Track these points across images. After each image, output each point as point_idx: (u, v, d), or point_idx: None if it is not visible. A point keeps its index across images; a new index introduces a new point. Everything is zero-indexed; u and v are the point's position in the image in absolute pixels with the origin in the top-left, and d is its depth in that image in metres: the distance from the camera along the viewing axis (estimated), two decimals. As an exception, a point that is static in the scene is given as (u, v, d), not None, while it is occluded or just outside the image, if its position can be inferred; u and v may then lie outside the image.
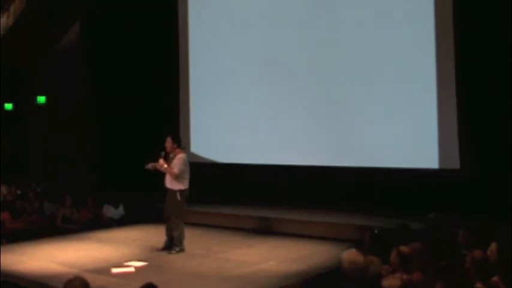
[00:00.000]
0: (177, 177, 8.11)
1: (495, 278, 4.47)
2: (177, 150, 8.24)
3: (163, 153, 8.19)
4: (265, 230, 9.80)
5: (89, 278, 4.23)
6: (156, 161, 8.21)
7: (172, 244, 8.27)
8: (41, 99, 15.66)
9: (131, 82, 13.66)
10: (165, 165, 8.11)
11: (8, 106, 16.49)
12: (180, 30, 12.87)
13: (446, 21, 9.23)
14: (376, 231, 6.30)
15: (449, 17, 9.20)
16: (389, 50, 9.84)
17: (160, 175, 8.37)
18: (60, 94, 15.15)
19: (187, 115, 12.62)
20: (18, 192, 11.78)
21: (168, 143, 8.21)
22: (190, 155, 11.88)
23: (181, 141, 8.50)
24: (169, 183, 8.20)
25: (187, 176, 8.21)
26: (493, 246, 4.93)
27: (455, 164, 9.10)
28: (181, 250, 8.23)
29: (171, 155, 8.20)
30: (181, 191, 8.17)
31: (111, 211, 11.30)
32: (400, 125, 9.69)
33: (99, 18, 14.46)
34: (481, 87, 8.86)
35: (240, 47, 11.82)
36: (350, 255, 4.79)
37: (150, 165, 8.29)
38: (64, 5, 14.86)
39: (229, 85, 11.96)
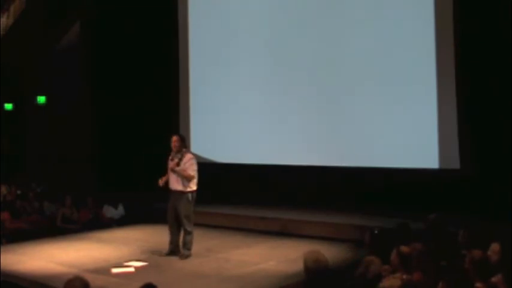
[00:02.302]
0: (192, 179, 7.91)
1: (495, 279, 4.47)
2: (184, 150, 8.05)
3: (173, 154, 8.00)
4: (265, 230, 9.80)
5: (89, 278, 4.23)
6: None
7: (179, 248, 8.11)
8: (41, 99, 15.66)
9: (131, 82, 13.66)
10: (178, 167, 7.87)
11: (8, 106, 16.49)
12: (180, 30, 12.87)
13: (446, 21, 9.23)
14: (376, 231, 6.29)
15: (450, 16, 9.19)
16: (389, 49, 9.84)
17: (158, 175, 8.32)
18: (60, 94, 15.15)
19: (187, 115, 12.62)
20: (18, 192, 11.78)
21: (176, 142, 7.98)
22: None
23: (185, 141, 8.29)
24: (180, 185, 7.90)
25: (197, 176, 8.00)
26: (494, 246, 4.92)
27: (455, 164, 9.09)
28: (190, 255, 8.02)
29: (177, 157, 7.97)
30: (192, 193, 7.96)
31: (111, 211, 11.30)
32: (400, 125, 9.68)
33: (99, 18, 14.46)
34: (481, 87, 8.86)
35: (240, 47, 11.82)
36: (311, 254, 4.77)
37: (161, 182, 8.08)
38: (64, 5, 14.86)
39: (229, 85, 11.96)
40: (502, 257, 4.77)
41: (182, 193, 7.93)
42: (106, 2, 14.17)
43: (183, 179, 7.90)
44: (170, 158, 8.04)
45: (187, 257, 7.96)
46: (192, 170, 7.91)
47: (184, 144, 8.19)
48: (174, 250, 8.13)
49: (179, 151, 8.00)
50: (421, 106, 9.44)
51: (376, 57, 10.00)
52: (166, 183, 8.08)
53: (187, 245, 8.03)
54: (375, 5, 10.07)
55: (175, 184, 7.97)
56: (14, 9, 16.26)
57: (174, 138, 8.06)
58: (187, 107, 12.65)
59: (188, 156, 8.00)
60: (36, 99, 15.63)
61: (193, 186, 7.97)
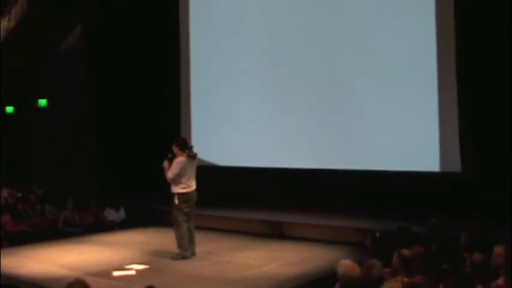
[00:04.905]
0: (171, 181, 8.05)
1: (500, 281, 4.48)
2: (179, 153, 8.11)
3: (170, 156, 8.12)
4: (266, 233, 9.79)
5: (90, 281, 4.24)
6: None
7: (192, 247, 8.24)
8: (42, 102, 15.66)
9: (132, 85, 13.67)
10: (166, 168, 8.07)
11: (9, 109, 16.47)
12: (181, 32, 12.89)
13: (447, 21, 9.23)
14: (377, 235, 6.29)
15: (451, 17, 9.20)
16: (390, 51, 9.83)
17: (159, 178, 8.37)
18: (62, 97, 15.15)
19: (188, 118, 12.62)
20: (19, 195, 11.78)
21: (174, 146, 8.14)
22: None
23: (185, 145, 8.21)
24: (171, 186, 8.15)
25: (184, 180, 8.04)
26: (498, 249, 4.91)
27: (456, 167, 9.09)
28: (183, 257, 8.05)
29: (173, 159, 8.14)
30: (178, 195, 8.06)
31: (112, 214, 11.31)
32: (401, 128, 9.68)
33: (100, 21, 14.47)
34: (483, 90, 8.85)
35: (240, 49, 11.83)
36: (346, 267, 4.74)
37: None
38: (65, 8, 14.87)
39: (230, 87, 11.96)
40: (506, 259, 4.76)
41: (172, 194, 8.11)
42: (107, 5, 14.18)
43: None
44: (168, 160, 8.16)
45: (176, 257, 8.05)
46: (171, 172, 8.01)
47: (183, 147, 8.16)
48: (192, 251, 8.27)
49: (177, 154, 8.12)
50: (422, 109, 9.43)
51: (376, 59, 9.99)
52: None
53: (178, 245, 8.12)
54: (376, 6, 10.07)
55: None
56: (15, 12, 16.26)
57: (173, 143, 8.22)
58: (188, 109, 12.66)
59: (176, 159, 8.08)
60: (37, 102, 15.64)
61: (178, 188, 8.07)
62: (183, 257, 8.05)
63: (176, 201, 8.07)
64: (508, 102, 8.49)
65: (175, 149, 8.13)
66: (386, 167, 9.77)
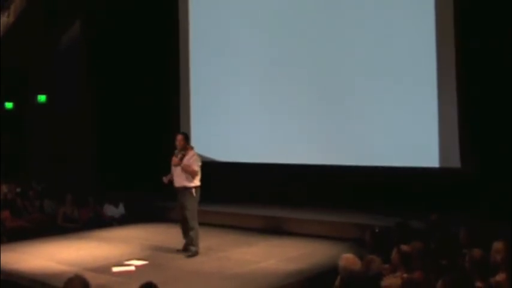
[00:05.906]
0: (197, 174, 8.03)
1: (499, 277, 4.47)
2: (188, 147, 8.19)
3: (176, 151, 8.12)
4: (265, 228, 9.80)
5: (89, 276, 4.23)
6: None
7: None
8: (42, 98, 15.66)
9: (132, 81, 13.65)
10: (182, 164, 8.00)
11: (9, 105, 16.47)
12: (180, 29, 12.87)
13: (446, 20, 9.21)
14: (376, 230, 6.29)
15: (450, 15, 9.18)
16: (389, 48, 9.81)
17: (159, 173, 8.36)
18: (61, 93, 15.15)
19: (188, 114, 12.61)
20: (18, 190, 11.77)
21: (180, 140, 8.12)
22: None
23: (189, 139, 8.39)
24: (184, 181, 8.01)
25: (200, 172, 8.11)
26: (497, 245, 4.91)
27: (456, 162, 9.08)
28: (197, 252, 8.05)
29: (181, 153, 8.09)
30: (196, 188, 8.06)
31: (111, 210, 11.30)
32: (400, 123, 9.66)
33: (99, 17, 14.45)
34: (482, 85, 8.83)
35: (240, 47, 11.81)
36: (347, 261, 4.73)
37: (165, 179, 8.24)
38: (64, 4, 14.85)
39: (230, 84, 11.95)
40: (506, 255, 4.76)
41: (185, 188, 8.04)
42: (107, 2, 14.14)
43: (187, 174, 8.00)
44: (174, 155, 8.14)
45: (194, 254, 8.01)
46: (196, 165, 8.04)
47: (188, 142, 8.35)
48: (187, 247, 8.21)
49: (183, 149, 8.12)
50: (422, 105, 9.41)
51: (376, 56, 9.97)
52: (171, 181, 8.19)
53: (192, 241, 8.09)
54: (375, 5, 10.04)
55: (179, 180, 8.07)
56: (14, 8, 16.24)
57: (179, 136, 8.21)
58: (188, 105, 12.65)
59: (191, 152, 8.14)
60: (36, 98, 15.64)
61: (196, 182, 8.08)
62: (196, 252, 8.03)
63: (195, 194, 8.05)
64: (507, 98, 8.48)
65: (183, 142, 8.14)
66: (386, 162, 9.75)
